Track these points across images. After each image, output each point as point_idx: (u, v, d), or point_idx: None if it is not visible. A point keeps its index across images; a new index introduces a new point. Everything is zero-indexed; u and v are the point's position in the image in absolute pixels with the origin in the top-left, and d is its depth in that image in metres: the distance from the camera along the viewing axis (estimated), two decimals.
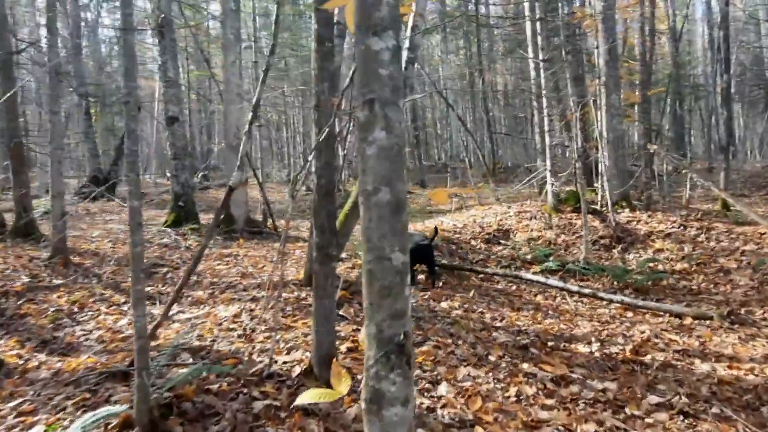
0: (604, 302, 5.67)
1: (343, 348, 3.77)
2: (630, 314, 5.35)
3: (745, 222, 7.90)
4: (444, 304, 5.27)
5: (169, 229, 9.40)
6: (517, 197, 11.01)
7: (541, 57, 8.71)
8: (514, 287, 6.41)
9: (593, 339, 4.42)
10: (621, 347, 4.26)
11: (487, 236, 8.31)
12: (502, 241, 8.23)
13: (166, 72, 9.95)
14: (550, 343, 4.30)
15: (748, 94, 25.96)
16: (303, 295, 4.99)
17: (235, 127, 9.11)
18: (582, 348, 4.24)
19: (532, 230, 8.37)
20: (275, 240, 9.34)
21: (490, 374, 3.58)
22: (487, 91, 19.04)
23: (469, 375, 3.55)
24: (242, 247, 8.43)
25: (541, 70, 8.89)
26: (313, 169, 3.27)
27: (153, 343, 3.88)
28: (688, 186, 10.14)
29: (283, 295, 5.01)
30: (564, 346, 4.30)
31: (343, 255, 6.58)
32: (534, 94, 9.95)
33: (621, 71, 9.51)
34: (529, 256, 7.55)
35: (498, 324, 4.81)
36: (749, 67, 24.42)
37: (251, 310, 4.68)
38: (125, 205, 10.37)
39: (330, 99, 3.12)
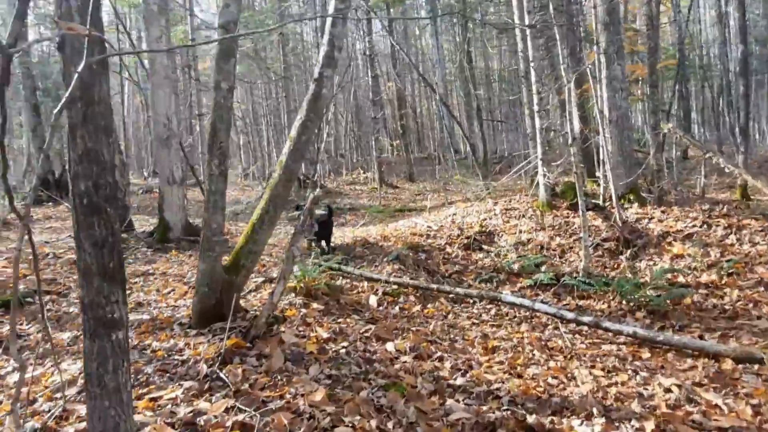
0: (611, 333, 4.22)
1: None
2: (646, 353, 3.89)
3: None
4: (390, 346, 3.83)
5: None
6: (505, 192, 9.54)
7: (527, 22, 7.21)
8: (493, 310, 4.97)
9: (595, 407, 2.96)
10: (637, 424, 2.80)
11: (466, 240, 6.84)
12: (484, 246, 6.77)
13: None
14: (530, 419, 2.85)
15: (756, 73, 24.36)
16: (180, 345, 3.54)
17: (165, 117, 7.65)
18: (578, 427, 2.79)
19: (521, 232, 6.91)
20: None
21: None
22: (476, 75, 17.53)
23: None
24: (170, 261, 7.00)
25: (528, 40, 7.39)
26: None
27: None
28: (703, 173, 8.63)
29: (155, 344, 3.57)
30: (551, 422, 2.85)
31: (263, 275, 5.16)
32: (522, 69, 8.47)
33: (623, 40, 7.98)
34: (516, 266, 6.09)
35: (458, 380, 3.36)
36: (758, 41, 22.78)
37: None
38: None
39: (81, 28, 1.65)
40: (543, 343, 4.12)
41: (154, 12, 7.39)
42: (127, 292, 5.33)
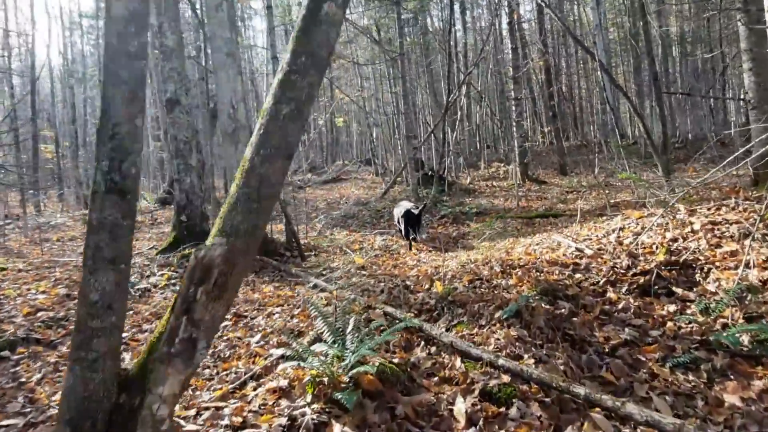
0: None
1: None
2: None
3: None
4: None
5: (158, 257, 6.81)
6: (705, 192, 6.37)
7: None
8: None
9: None
10: None
11: (642, 279, 4.15)
12: (677, 291, 4.01)
13: (162, 39, 7.36)
14: None
15: None
16: None
17: (229, 105, 6.12)
18: None
19: (747, 266, 4.00)
20: (300, 274, 6.22)
21: None
22: (650, 40, 13.72)
23: None
24: None
25: None
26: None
27: None
28: None
29: None
30: None
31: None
32: None
33: None
34: (744, 338, 3.30)
35: None
36: None
37: None
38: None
39: None
40: None
41: None
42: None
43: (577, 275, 4.37)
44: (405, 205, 7.51)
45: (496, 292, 4.04)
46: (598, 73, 17.33)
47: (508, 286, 4.14)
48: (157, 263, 6.46)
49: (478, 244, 6.34)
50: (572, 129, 22.68)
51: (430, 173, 13.24)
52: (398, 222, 7.60)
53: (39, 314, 4.67)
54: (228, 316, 4.23)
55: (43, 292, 5.46)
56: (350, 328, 2.91)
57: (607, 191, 9.16)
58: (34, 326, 4.37)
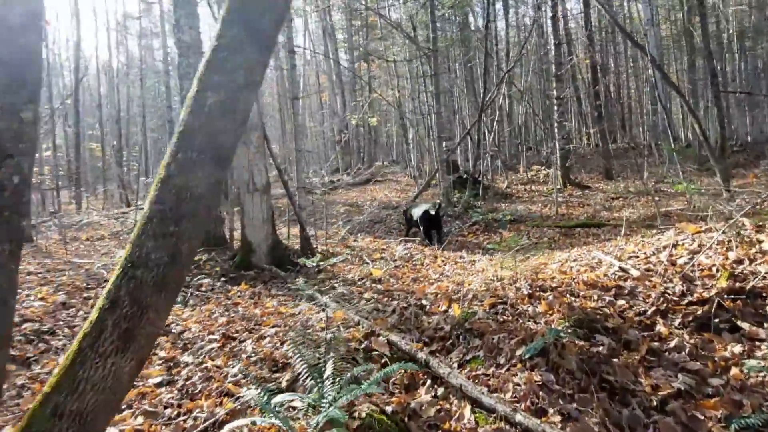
0: None
1: None
2: None
3: None
4: None
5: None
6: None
7: None
8: None
9: None
10: None
11: (700, 310, 3.46)
12: (743, 325, 3.31)
13: (179, 35, 7.07)
14: None
15: None
16: None
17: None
18: None
19: None
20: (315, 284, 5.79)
21: None
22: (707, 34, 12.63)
23: None
24: (226, 301, 5.01)
25: None
26: None
27: None
28: None
29: None
30: None
31: None
32: None
33: None
34: None
35: None
36: None
37: None
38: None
39: None
40: None
41: None
42: None
43: (620, 302, 3.71)
44: (424, 206, 7.87)
45: (520, 321, 3.45)
46: (649, 71, 16.23)
47: (535, 314, 3.53)
48: None
49: (499, 259, 5.70)
50: (619, 130, 21.47)
51: (464, 176, 12.59)
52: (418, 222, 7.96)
53: (25, 326, 4.37)
54: (216, 338, 3.80)
55: (42, 299, 5.20)
56: (328, 372, 2.40)
57: (657, 198, 8.33)
58: (14, 340, 4.07)
